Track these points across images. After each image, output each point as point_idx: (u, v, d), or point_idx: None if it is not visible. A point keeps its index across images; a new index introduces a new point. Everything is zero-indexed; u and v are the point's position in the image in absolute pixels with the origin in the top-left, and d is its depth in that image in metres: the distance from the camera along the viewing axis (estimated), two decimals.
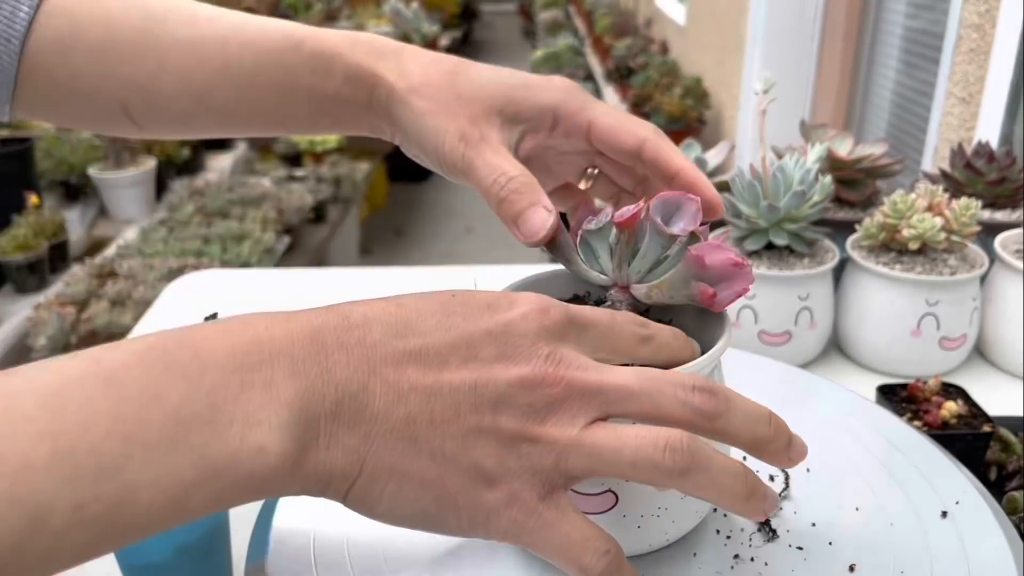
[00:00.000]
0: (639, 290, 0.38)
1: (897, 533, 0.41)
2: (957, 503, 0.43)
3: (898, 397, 0.63)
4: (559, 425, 0.30)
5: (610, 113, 0.42)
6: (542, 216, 0.39)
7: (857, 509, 0.43)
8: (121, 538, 0.26)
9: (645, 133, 0.41)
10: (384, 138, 0.46)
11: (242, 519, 0.47)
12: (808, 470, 0.46)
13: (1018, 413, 0.68)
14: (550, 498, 0.30)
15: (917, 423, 0.59)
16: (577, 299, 0.42)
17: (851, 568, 0.39)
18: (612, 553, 0.31)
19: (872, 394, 0.63)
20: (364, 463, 0.29)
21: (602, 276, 0.40)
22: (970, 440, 0.57)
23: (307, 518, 0.41)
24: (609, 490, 0.36)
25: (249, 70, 0.45)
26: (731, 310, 0.40)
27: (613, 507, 0.36)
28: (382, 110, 0.43)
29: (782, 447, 0.33)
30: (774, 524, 0.42)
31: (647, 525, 0.37)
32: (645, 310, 0.39)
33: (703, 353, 0.37)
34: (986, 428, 0.58)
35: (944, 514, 0.42)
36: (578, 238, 0.40)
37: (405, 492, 0.29)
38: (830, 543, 0.40)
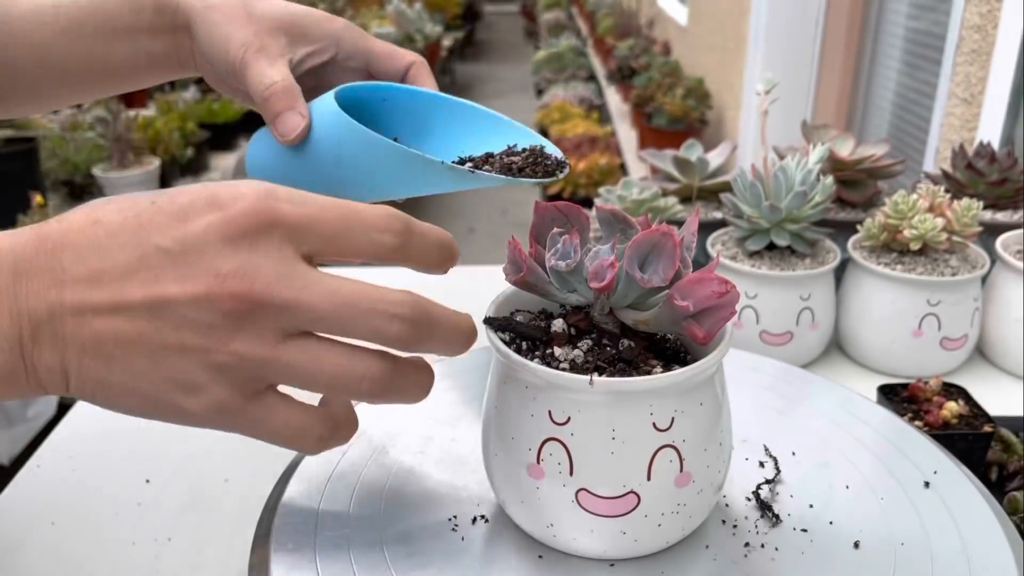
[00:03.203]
0: (626, 315, 0.39)
1: (897, 533, 0.41)
2: (958, 503, 0.43)
3: (899, 397, 0.63)
4: (246, 341, 0.31)
5: (383, 43, 0.51)
6: (296, 120, 0.44)
7: (856, 508, 0.43)
8: None
9: (413, 58, 0.51)
10: (189, 71, 0.51)
11: (256, 492, 0.47)
12: (804, 472, 0.46)
13: (1019, 413, 0.68)
14: (256, 399, 0.32)
15: (918, 423, 0.59)
16: (550, 315, 0.42)
17: (859, 562, 0.39)
18: (324, 438, 0.34)
19: (873, 394, 0.63)
20: (68, 377, 0.32)
21: (582, 299, 0.40)
22: (971, 440, 0.58)
23: (314, 494, 0.42)
24: (632, 491, 0.37)
25: (77, 21, 0.50)
26: None
27: (636, 508, 0.37)
28: (183, 30, 0.49)
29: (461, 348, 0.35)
30: (776, 509, 0.42)
31: (667, 523, 0.38)
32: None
33: (704, 357, 0.37)
34: (987, 428, 0.58)
35: (926, 486, 0.42)
36: (548, 270, 0.39)
37: (112, 398, 0.32)
38: (839, 536, 0.41)
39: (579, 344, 0.39)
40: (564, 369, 0.37)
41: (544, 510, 0.38)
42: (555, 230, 0.39)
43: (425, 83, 0.50)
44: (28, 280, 0.31)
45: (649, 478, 0.37)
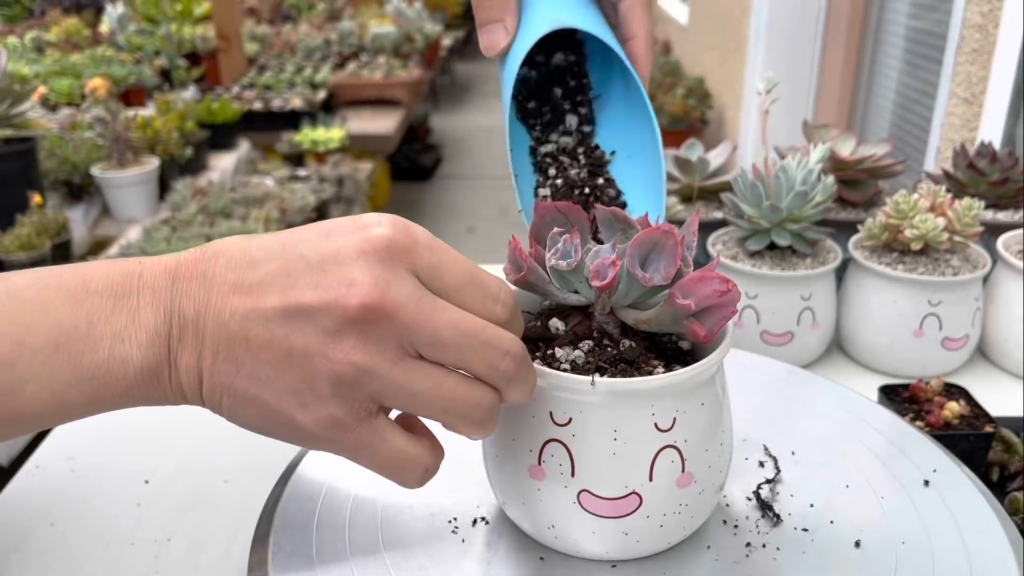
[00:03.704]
0: (627, 315, 0.38)
1: (898, 533, 0.41)
2: (959, 504, 0.43)
3: (900, 397, 0.63)
4: (369, 353, 0.32)
5: None
6: (499, 35, 0.42)
7: (857, 508, 0.43)
8: (11, 425, 0.32)
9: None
10: None
11: (263, 482, 0.47)
12: (805, 472, 0.46)
13: (1020, 413, 0.68)
14: (367, 421, 0.33)
15: (919, 423, 0.59)
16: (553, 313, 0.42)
17: (861, 562, 0.39)
18: (430, 471, 0.36)
19: (874, 394, 0.63)
20: (203, 380, 0.33)
21: (583, 299, 0.39)
22: (972, 440, 0.57)
23: (314, 495, 0.41)
24: (633, 492, 0.37)
25: None
26: None
27: (637, 508, 0.37)
28: None
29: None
30: (777, 509, 0.42)
31: (669, 523, 0.38)
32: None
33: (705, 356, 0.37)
34: (988, 428, 0.58)
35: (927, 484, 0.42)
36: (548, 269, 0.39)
37: (236, 406, 0.33)
38: (841, 536, 0.41)
39: (580, 345, 0.38)
40: (565, 370, 0.37)
41: (546, 512, 0.38)
42: (555, 230, 0.38)
43: (633, 22, 0.44)
44: (185, 282, 0.33)
45: (651, 479, 0.37)
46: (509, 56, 0.42)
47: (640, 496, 0.37)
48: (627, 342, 0.38)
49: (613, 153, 0.45)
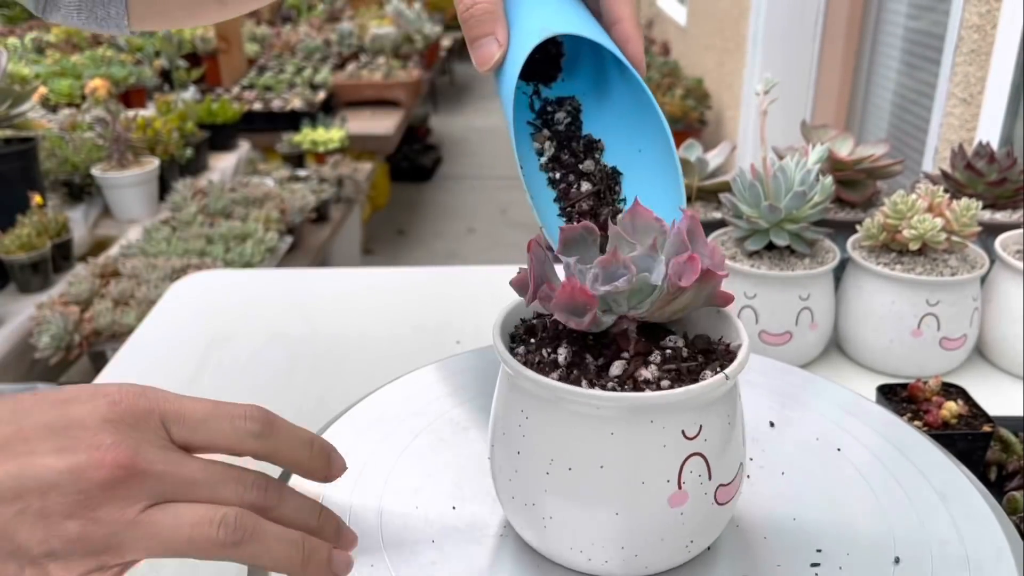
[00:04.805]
0: (662, 313, 0.38)
1: (897, 532, 0.41)
2: (957, 503, 0.43)
3: (898, 397, 0.63)
4: (113, 510, 0.32)
5: None
6: (491, 48, 0.40)
7: (856, 508, 0.43)
8: None
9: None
10: None
11: None
12: (804, 472, 0.46)
13: (1018, 413, 0.68)
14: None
15: (917, 423, 0.59)
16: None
17: (860, 562, 0.39)
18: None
19: (872, 394, 0.63)
20: None
21: (614, 314, 0.38)
22: (970, 440, 0.58)
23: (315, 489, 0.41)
24: (741, 464, 0.39)
25: None
26: (733, 309, 0.41)
27: (741, 483, 0.40)
28: None
29: (331, 533, 0.38)
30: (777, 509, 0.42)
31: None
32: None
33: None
34: (986, 428, 0.58)
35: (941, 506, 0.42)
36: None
37: None
38: (839, 536, 0.41)
39: (648, 361, 0.37)
40: (669, 386, 0.36)
41: (691, 531, 0.38)
42: (599, 257, 0.37)
43: (619, 4, 0.43)
44: None
45: (747, 454, 0.40)
46: (504, 70, 0.41)
47: (743, 468, 0.40)
48: (668, 346, 0.38)
49: (618, 171, 0.44)
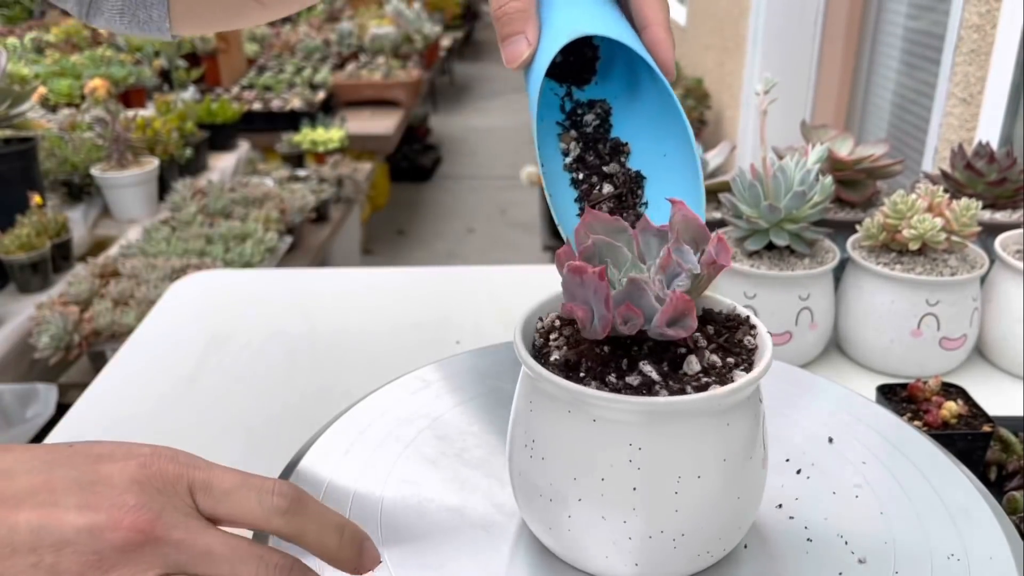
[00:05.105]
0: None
1: (896, 532, 0.41)
2: (957, 503, 0.43)
3: (898, 397, 0.63)
4: (125, 573, 0.31)
5: None
6: (520, 47, 0.41)
7: (855, 508, 0.43)
8: None
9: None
10: None
11: None
12: (803, 472, 0.46)
13: (1018, 413, 0.68)
14: None
15: (917, 423, 0.59)
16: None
17: (860, 561, 0.39)
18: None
19: (872, 394, 0.63)
20: None
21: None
22: (970, 440, 0.58)
23: (316, 485, 0.41)
24: None
25: None
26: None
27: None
28: None
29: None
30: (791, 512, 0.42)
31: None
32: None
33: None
34: (986, 428, 0.58)
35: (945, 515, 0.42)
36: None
37: None
38: (839, 535, 0.41)
39: (699, 351, 0.37)
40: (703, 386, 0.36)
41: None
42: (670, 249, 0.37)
43: (648, 8, 0.43)
44: None
45: None
46: (532, 68, 0.41)
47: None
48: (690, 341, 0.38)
49: (643, 175, 0.44)
